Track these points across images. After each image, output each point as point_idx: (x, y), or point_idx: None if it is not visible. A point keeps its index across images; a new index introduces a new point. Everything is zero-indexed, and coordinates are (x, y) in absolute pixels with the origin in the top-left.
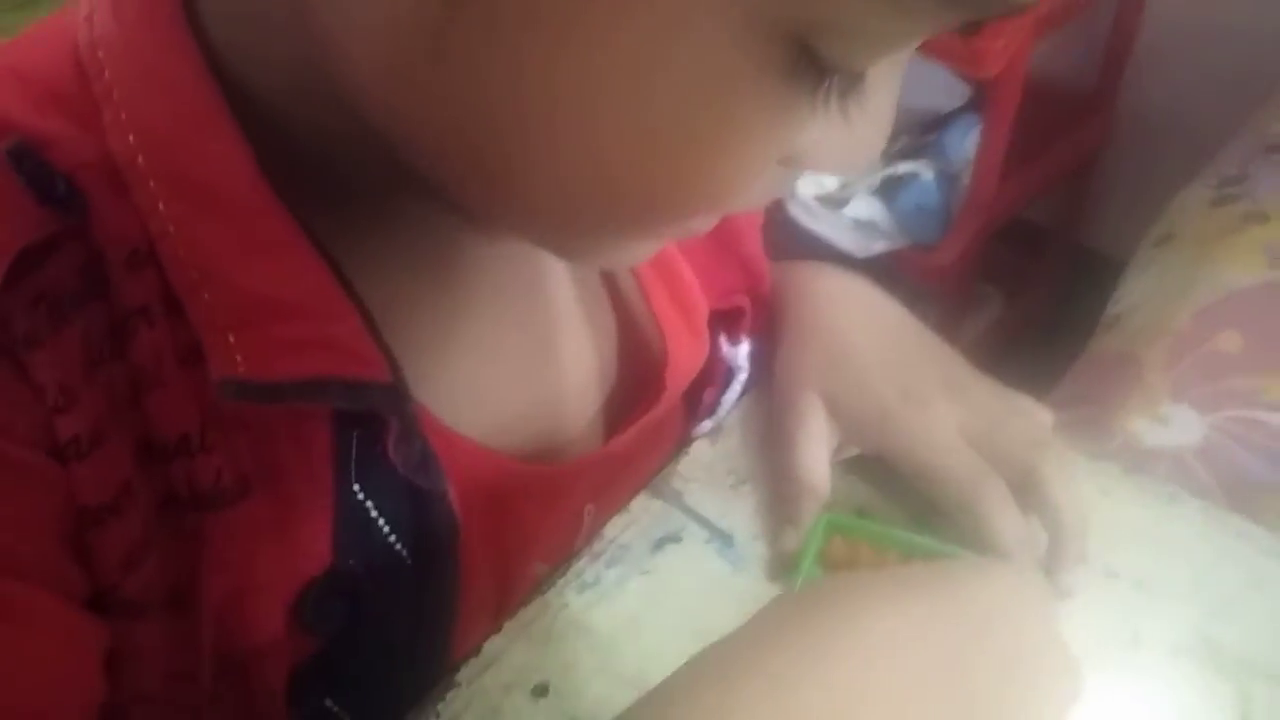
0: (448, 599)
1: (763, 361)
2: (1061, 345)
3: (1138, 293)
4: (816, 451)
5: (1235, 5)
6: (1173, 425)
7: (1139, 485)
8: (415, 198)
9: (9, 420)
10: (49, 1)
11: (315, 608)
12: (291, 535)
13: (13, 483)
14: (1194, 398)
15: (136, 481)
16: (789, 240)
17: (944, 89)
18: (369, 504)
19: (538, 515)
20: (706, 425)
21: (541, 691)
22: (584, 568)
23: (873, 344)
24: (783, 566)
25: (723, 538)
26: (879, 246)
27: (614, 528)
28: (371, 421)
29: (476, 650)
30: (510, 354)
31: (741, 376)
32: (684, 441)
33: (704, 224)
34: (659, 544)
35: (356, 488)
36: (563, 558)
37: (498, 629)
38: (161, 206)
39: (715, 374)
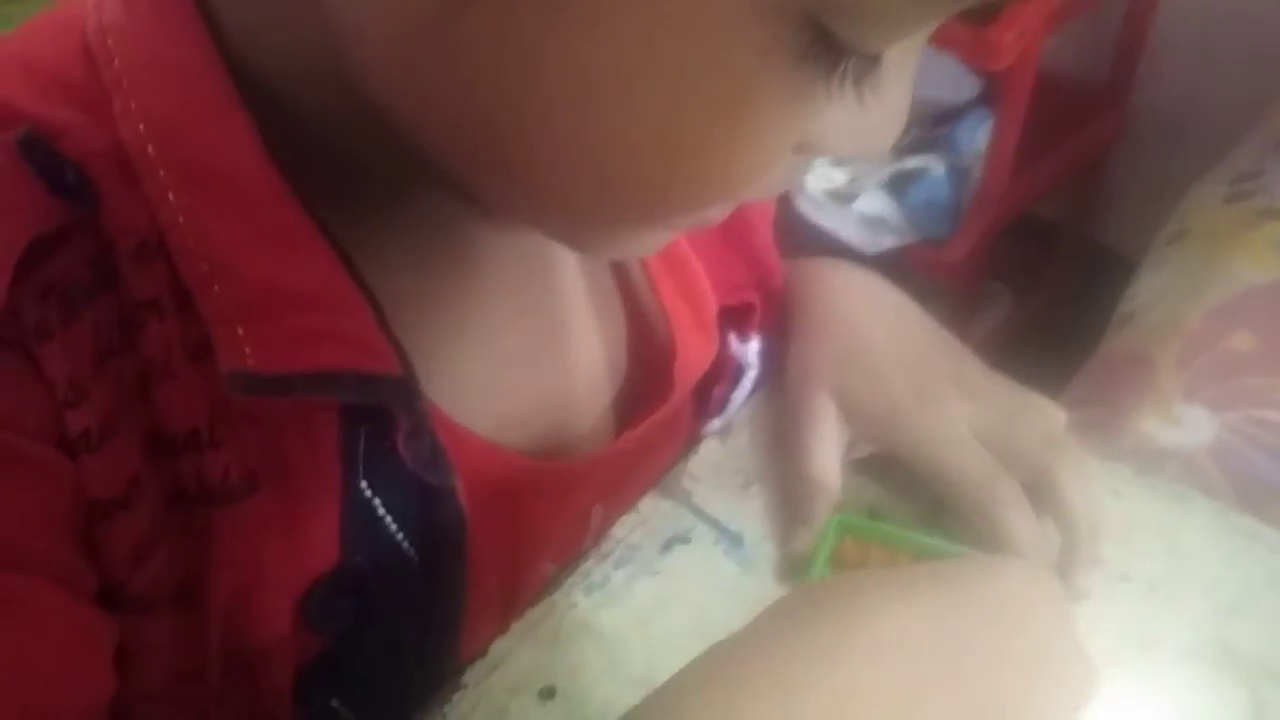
0: (455, 598)
1: (772, 358)
2: (1072, 343)
3: (1150, 291)
4: (828, 451)
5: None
6: (1185, 425)
7: (1152, 486)
8: (426, 188)
9: (19, 413)
10: None
11: (322, 606)
12: (299, 532)
13: (22, 476)
14: (1206, 397)
15: (145, 475)
16: (797, 235)
17: (955, 81)
18: (376, 501)
19: (546, 513)
20: (716, 423)
21: (549, 694)
22: (592, 568)
23: (885, 341)
24: (793, 568)
25: (732, 538)
26: (888, 242)
27: (622, 528)
28: (380, 417)
29: (483, 651)
30: (520, 349)
31: (751, 374)
32: (693, 439)
33: (718, 213)
34: (668, 544)
35: (365, 484)
36: (571, 557)
37: (505, 630)
38: (171, 197)
39: (725, 371)
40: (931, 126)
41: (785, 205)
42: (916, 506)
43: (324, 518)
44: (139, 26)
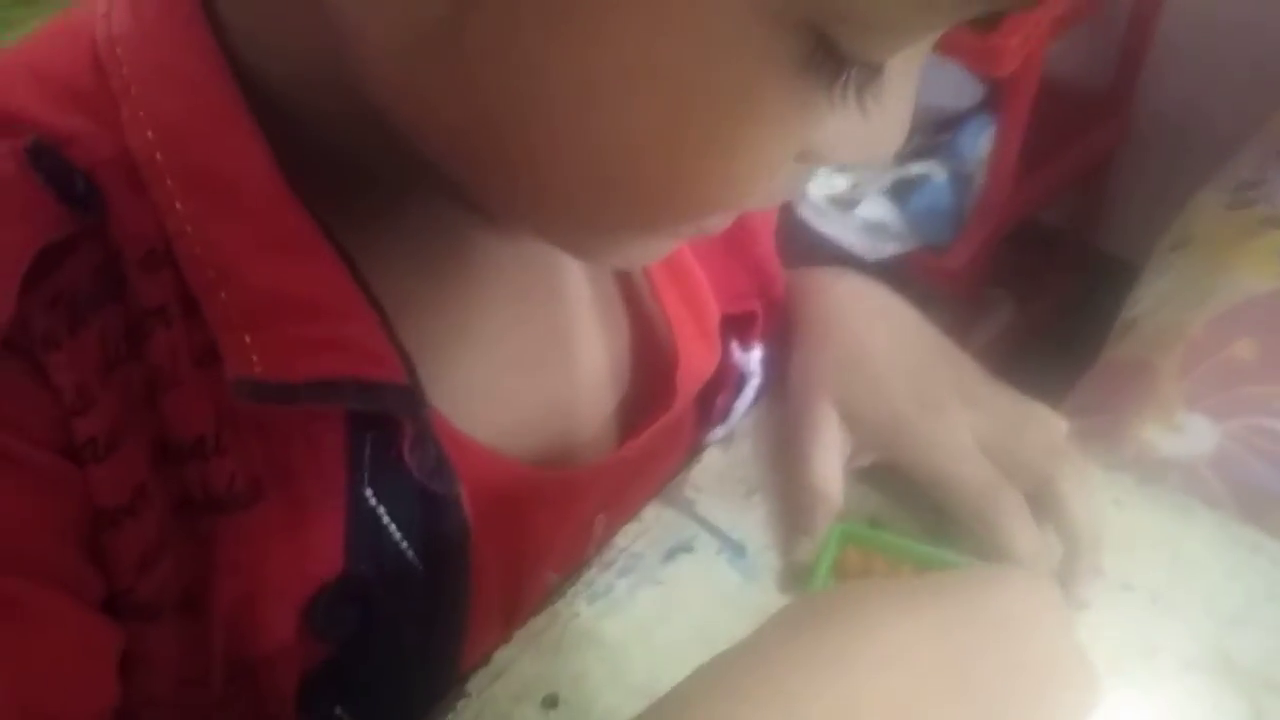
0: (458, 606)
1: (774, 367)
2: (1074, 350)
3: (1152, 298)
4: (830, 460)
5: (1251, 7)
6: (1187, 434)
7: (1154, 497)
8: (430, 195)
9: (27, 422)
10: None
11: (326, 613)
12: (303, 540)
13: (30, 483)
14: (1208, 406)
15: (152, 483)
16: (799, 242)
17: (957, 88)
18: (381, 509)
19: (549, 521)
20: (719, 432)
21: (551, 702)
22: (595, 577)
23: (888, 350)
24: (796, 577)
25: (735, 548)
26: (890, 249)
27: (625, 537)
28: (386, 424)
29: (486, 660)
30: (523, 356)
31: (754, 382)
32: (696, 448)
33: (721, 221)
34: (671, 553)
35: (369, 492)
36: (574, 566)
37: (508, 639)
38: (179, 204)
39: (727, 380)
40: (934, 133)
41: (787, 212)
42: (919, 516)
43: (329, 525)
44: (147, 35)
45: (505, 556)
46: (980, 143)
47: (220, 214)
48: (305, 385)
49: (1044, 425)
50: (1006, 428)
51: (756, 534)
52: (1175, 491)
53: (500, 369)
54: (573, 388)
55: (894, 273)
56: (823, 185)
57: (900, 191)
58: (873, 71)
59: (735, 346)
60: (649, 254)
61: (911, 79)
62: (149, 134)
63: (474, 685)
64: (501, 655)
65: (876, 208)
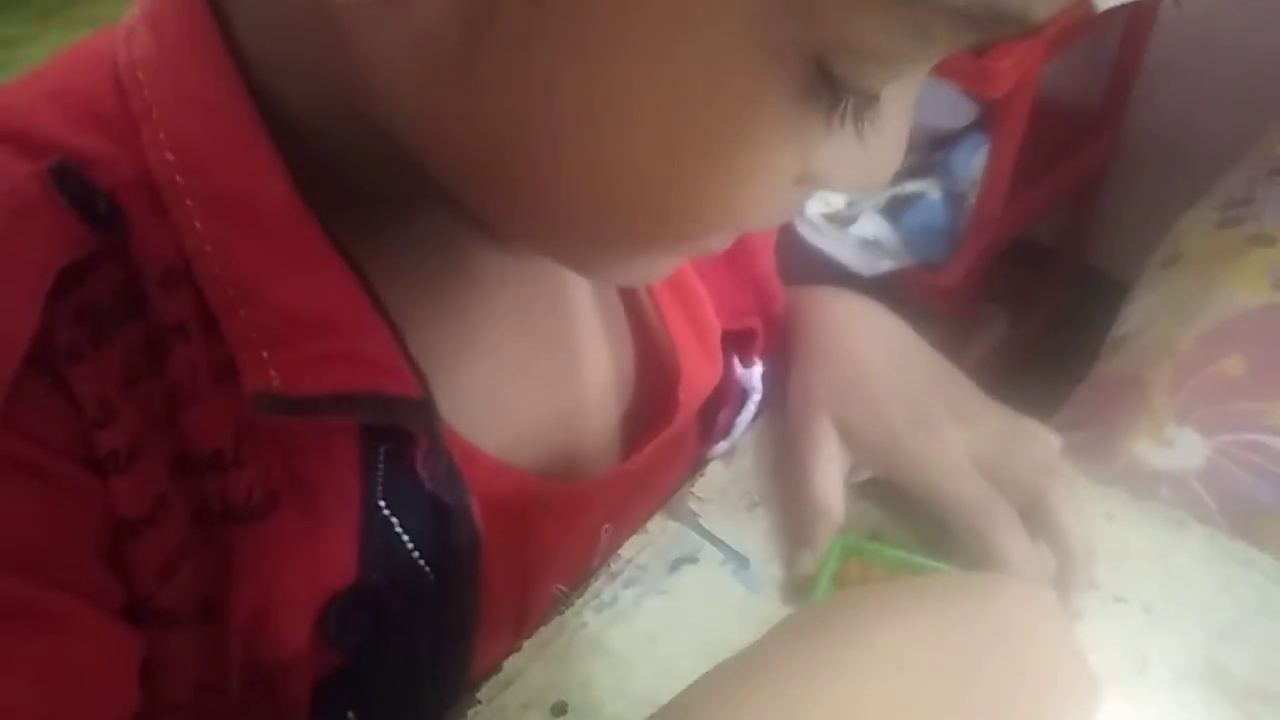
0: (469, 613)
1: (775, 383)
2: (1066, 364)
3: (1143, 314)
4: (830, 475)
5: (1241, 28)
6: (1177, 448)
7: (1147, 511)
8: (436, 211)
9: (51, 433)
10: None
11: (340, 621)
12: (318, 549)
13: (54, 494)
14: (1197, 420)
15: (171, 494)
16: (796, 258)
17: (952, 108)
18: (394, 519)
19: (556, 531)
20: (721, 446)
21: (560, 710)
22: (601, 588)
23: (884, 370)
24: (798, 588)
25: (738, 559)
26: (885, 265)
27: (631, 548)
28: (398, 437)
29: (497, 668)
30: (530, 369)
31: (755, 398)
32: (699, 462)
33: (722, 242)
34: (675, 565)
35: (382, 503)
36: (581, 576)
37: (517, 648)
38: (198, 224)
39: (729, 395)
40: (928, 152)
41: (785, 229)
42: (917, 530)
43: (343, 535)
44: (167, 60)
45: (513, 565)
46: (974, 161)
47: (239, 234)
48: (322, 399)
49: (1037, 442)
50: (1000, 445)
51: (759, 546)
52: (1167, 506)
53: (506, 381)
54: (577, 400)
55: (889, 289)
56: (819, 203)
57: (895, 209)
58: (870, 100)
59: (736, 363)
60: (652, 272)
61: (908, 107)
62: (169, 156)
63: (485, 693)
64: (512, 663)
65: (872, 225)
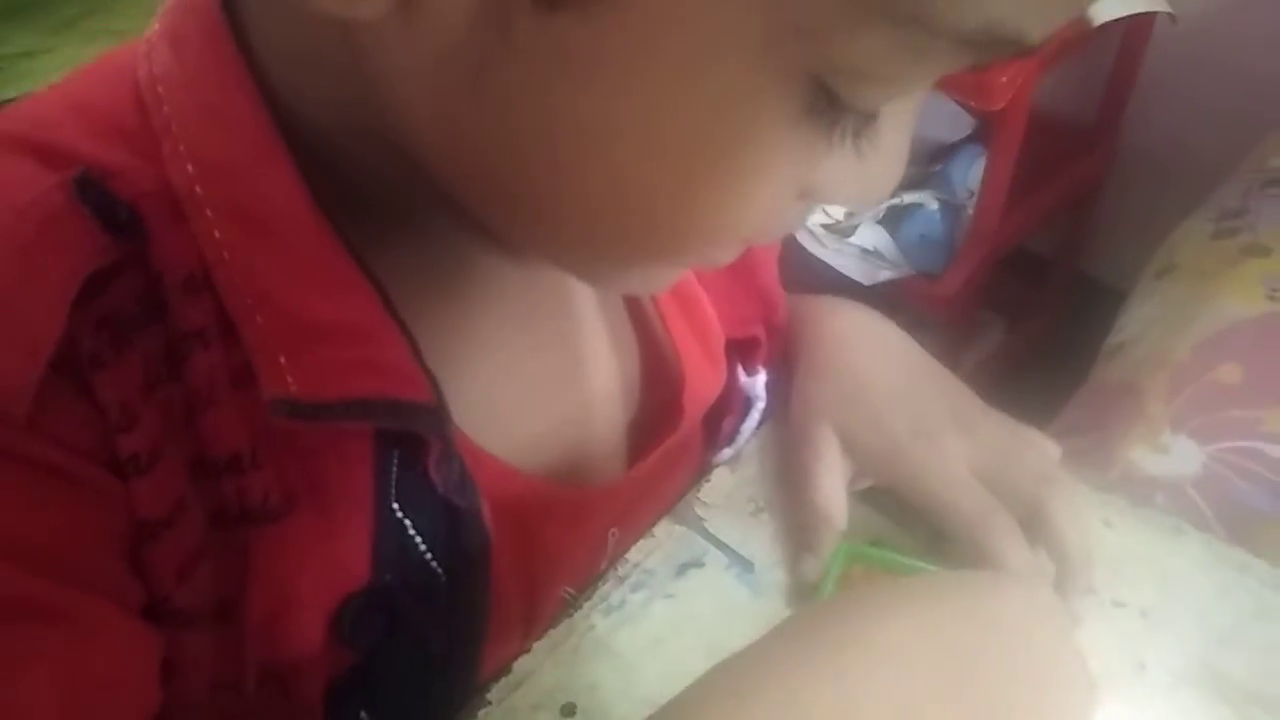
0: (479, 614)
1: (778, 392)
2: (1063, 373)
3: (1139, 323)
4: (833, 482)
5: (1234, 43)
6: (1173, 455)
7: (1144, 518)
8: (445, 220)
9: (76, 437)
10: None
11: (354, 622)
12: (333, 551)
13: (79, 497)
14: (1193, 428)
15: (190, 497)
16: (797, 267)
17: (950, 120)
18: (407, 522)
19: (564, 535)
20: (726, 453)
21: (569, 711)
22: (609, 591)
23: (885, 379)
24: (802, 593)
25: (743, 564)
26: (884, 275)
27: (638, 552)
28: (411, 441)
29: (507, 669)
30: (538, 374)
31: (759, 406)
32: (704, 469)
33: (726, 255)
34: (682, 569)
35: (396, 506)
36: (588, 579)
37: (527, 649)
38: (217, 234)
39: (733, 403)
40: (926, 163)
41: (786, 240)
42: (919, 537)
43: (357, 537)
44: (189, 75)
45: (521, 568)
46: (971, 173)
47: (257, 243)
48: (338, 404)
49: (1035, 450)
50: (999, 454)
51: (764, 551)
52: (1165, 512)
53: (513, 387)
54: (584, 406)
55: (889, 297)
56: (819, 214)
57: (894, 220)
58: (869, 118)
59: (740, 371)
60: (656, 282)
61: (907, 124)
62: (189, 168)
63: (496, 693)
64: (522, 665)
65: (871, 235)
